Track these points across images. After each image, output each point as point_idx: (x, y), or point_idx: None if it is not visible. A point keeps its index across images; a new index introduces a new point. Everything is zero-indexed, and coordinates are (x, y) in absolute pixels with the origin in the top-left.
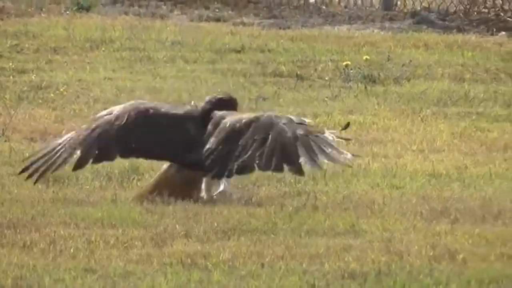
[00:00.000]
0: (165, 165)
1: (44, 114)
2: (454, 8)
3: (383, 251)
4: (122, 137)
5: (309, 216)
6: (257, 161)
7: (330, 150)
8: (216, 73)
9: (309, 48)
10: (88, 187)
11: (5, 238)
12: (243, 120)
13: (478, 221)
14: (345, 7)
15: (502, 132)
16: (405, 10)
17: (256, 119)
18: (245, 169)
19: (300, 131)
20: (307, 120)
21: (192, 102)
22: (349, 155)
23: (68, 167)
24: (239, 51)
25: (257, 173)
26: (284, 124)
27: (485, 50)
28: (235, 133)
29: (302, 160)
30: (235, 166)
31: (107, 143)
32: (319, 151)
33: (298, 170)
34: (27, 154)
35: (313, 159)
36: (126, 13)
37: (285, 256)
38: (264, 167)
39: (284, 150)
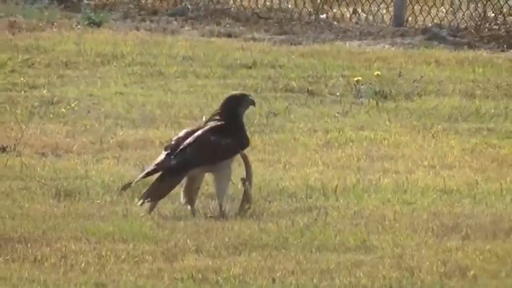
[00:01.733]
0: None
1: (55, 129)
2: (465, 24)
3: (394, 267)
4: None
5: (320, 231)
6: None
7: None
8: (227, 88)
9: (320, 63)
10: (99, 201)
11: (16, 252)
12: None
13: (489, 237)
14: (356, 23)
15: None
16: (416, 26)
17: None
18: None
19: None
20: None
21: (204, 118)
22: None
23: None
24: (250, 67)
25: (268, 188)
26: None
27: (496, 66)
28: None
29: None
30: None
31: None
32: None
33: None
34: (38, 169)
35: None
36: (137, 28)
37: (296, 271)
38: None
39: None
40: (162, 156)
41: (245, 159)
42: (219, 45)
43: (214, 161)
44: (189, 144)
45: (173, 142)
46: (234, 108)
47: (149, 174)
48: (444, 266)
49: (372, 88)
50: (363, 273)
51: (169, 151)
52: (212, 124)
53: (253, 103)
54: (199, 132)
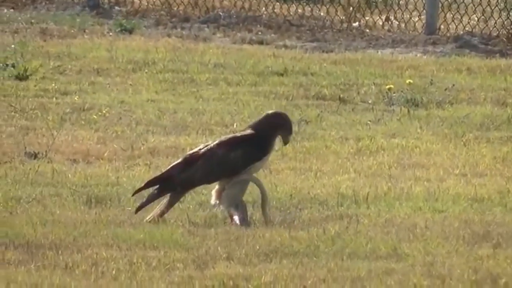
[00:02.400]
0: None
1: (86, 135)
2: (497, 32)
3: (425, 274)
4: None
5: (351, 239)
6: None
7: None
8: (259, 96)
9: (352, 71)
10: (130, 208)
11: (47, 259)
12: None
13: None
14: (389, 30)
15: None
16: (448, 34)
17: None
18: None
19: None
20: None
21: (235, 125)
22: None
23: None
24: (281, 74)
25: (299, 196)
26: None
27: None
28: None
29: None
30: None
31: None
32: None
33: None
34: (69, 176)
35: None
36: (169, 35)
37: (327, 279)
38: None
39: None
40: (173, 165)
41: (257, 182)
42: (251, 52)
43: (220, 177)
44: (197, 159)
45: (190, 152)
46: (274, 125)
47: (150, 184)
48: (475, 274)
49: (404, 96)
50: (394, 281)
51: (181, 163)
52: (233, 134)
53: (287, 140)
54: (210, 145)
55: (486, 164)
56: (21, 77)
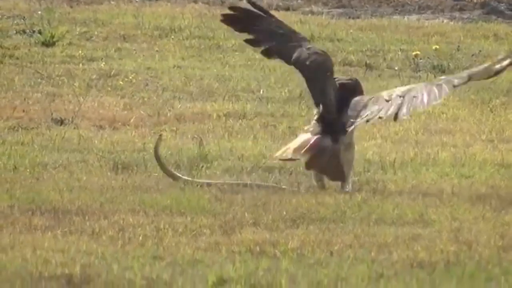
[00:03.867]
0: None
1: (112, 101)
2: None
3: (452, 240)
4: None
5: (378, 205)
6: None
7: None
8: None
9: (378, 37)
10: (156, 174)
11: (73, 225)
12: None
13: None
14: None
15: None
16: (475, 1)
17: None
18: None
19: None
20: None
21: (261, 91)
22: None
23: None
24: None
25: None
26: None
27: None
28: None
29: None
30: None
31: None
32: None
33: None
34: (95, 142)
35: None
36: (195, 1)
37: (354, 245)
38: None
39: None
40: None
41: None
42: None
43: None
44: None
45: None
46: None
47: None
48: (502, 240)
49: (430, 62)
50: (421, 247)
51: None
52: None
53: None
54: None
55: None
56: (48, 44)
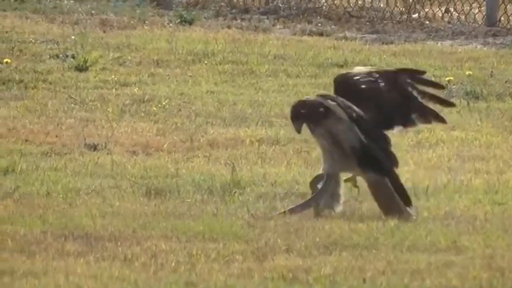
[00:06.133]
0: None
1: (146, 127)
2: None
3: (485, 267)
4: None
5: (411, 231)
6: None
7: None
8: (319, 87)
9: (411, 63)
10: (189, 200)
11: (106, 251)
12: None
13: None
14: (449, 22)
15: None
16: (508, 26)
17: None
18: None
19: None
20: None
21: None
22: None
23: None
24: (341, 66)
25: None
26: None
27: None
28: None
29: None
30: None
31: None
32: None
33: None
34: (128, 167)
35: None
36: (228, 27)
37: (387, 272)
38: None
39: None
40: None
41: None
42: (311, 43)
43: None
44: None
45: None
46: None
47: None
48: None
49: (464, 88)
50: (454, 274)
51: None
52: None
53: None
54: None
55: None
56: (81, 68)
